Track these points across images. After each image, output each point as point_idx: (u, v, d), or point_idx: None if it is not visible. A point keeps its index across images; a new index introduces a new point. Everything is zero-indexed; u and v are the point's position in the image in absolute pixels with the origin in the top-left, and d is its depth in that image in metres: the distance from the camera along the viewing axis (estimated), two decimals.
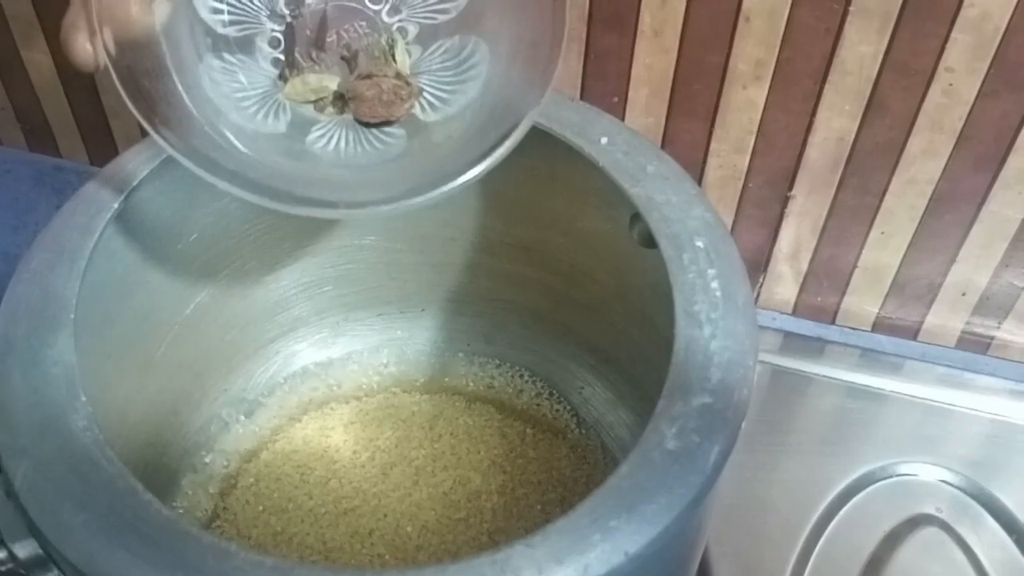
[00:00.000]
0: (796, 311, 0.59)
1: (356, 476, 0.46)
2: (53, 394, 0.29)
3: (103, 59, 0.30)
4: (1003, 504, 0.51)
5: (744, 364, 0.30)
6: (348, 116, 0.35)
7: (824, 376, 0.57)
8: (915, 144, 0.49)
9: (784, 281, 0.58)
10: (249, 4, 0.34)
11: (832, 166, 0.51)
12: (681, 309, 0.32)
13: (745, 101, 0.50)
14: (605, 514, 0.27)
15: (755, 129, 0.51)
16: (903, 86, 0.47)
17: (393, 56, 0.35)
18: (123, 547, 0.26)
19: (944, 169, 0.50)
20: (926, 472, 0.53)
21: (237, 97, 0.33)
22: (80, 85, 0.62)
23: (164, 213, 0.39)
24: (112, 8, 0.30)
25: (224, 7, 0.33)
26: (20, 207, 0.72)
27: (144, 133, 0.35)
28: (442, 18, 0.34)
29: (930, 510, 0.51)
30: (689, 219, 0.34)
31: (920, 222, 0.52)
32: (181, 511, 0.45)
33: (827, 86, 0.48)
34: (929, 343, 0.58)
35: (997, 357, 0.57)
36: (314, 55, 0.35)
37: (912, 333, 0.58)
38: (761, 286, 0.59)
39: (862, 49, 0.46)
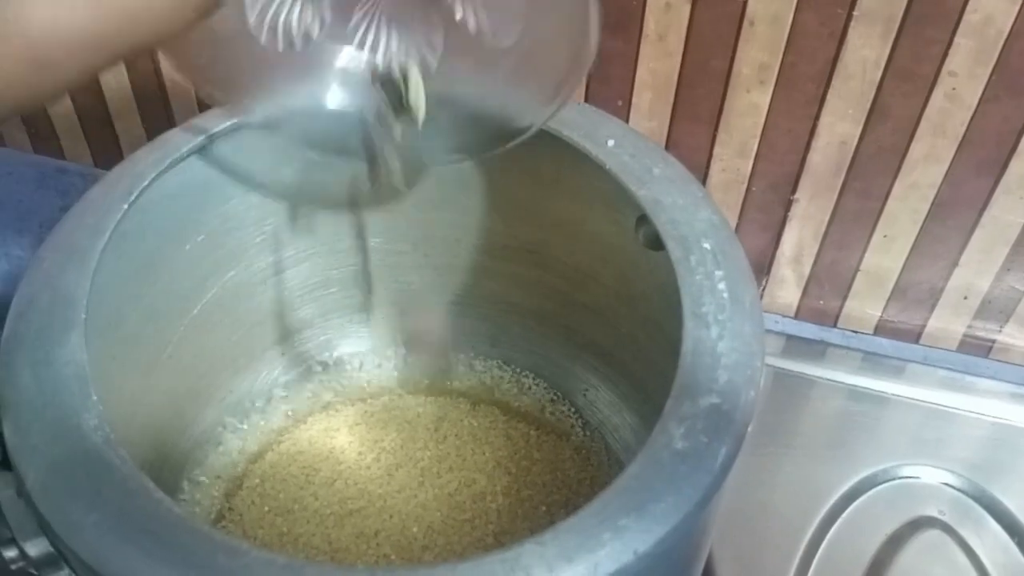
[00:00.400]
0: (798, 314, 0.60)
1: (361, 477, 0.46)
2: (64, 394, 0.30)
3: None
4: (1005, 507, 0.52)
5: (751, 365, 0.31)
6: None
7: (826, 379, 0.57)
8: (917, 149, 0.49)
9: (787, 285, 0.58)
10: None
11: (835, 170, 0.52)
12: (689, 310, 0.32)
13: (749, 105, 0.50)
14: (614, 513, 0.27)
15: (758, 133, 0.51)
16: (905, 91, 0.47)
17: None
18: (134, 545, 0.26)
19: (946, 174, 0.50)
20: (928, 475, 0.53)
21: None
22: (85, 88, 0.62)
23: (172, 215, 0.40)
24: None
25: None
26: (23, 209, 0.72)
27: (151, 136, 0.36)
28: None
29: (932, 512, 0.52)
30: (696, 221, 0.34)
31: (922, 226, 0.53)
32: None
33: (830, 91, 0.48)
34: (931, 346, 0.58)
35: (999, 360, 0.58)
36: None
37: (914, 337, 0.58)
38: (764, 289, 0.59)
39: (865, 54, 0.47)
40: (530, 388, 0.51)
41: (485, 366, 0.52)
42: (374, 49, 0.33)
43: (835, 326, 0.59)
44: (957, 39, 0.45)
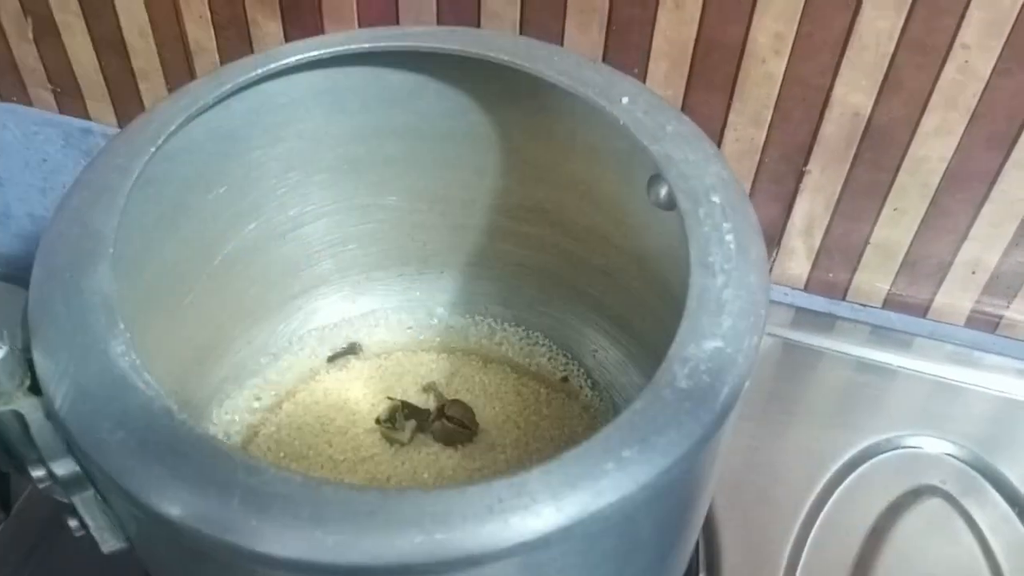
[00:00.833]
0: (808, 287, 0.60)
1: (375, 426, 0.47)
2: (92, 322, 0.31)
3: None
4: (1007, 478, 0.52)
5: (756, 312, 0.31)
6: None
7: (834, 351, 0.58)
8: (929, 121, 0.50)
9: (797, 257, 0.59)
10: None
11: (847, 141, 0.52)
12: (696, 260, 0.33)
13: (763, 75, 0.51)
14: (618, 445, 0.28)
15: (772, 103, 0.52)
16: (919, 63, 0.48)
17: None
18: (158, 463, 0.27)
19: (957, 147, 0.51)
20: (932, 445, 0.54)
21: None
22: (111, 48, 0.64)
23: (196, 163, 0.41)
24: None
25: None
26: (48, 168, 0.73)
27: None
28: None
29: (935, 482, 0.52)
30: (706, 176, 0.35)
31: (932, 200, 0.53)
32: None
33: (844, 61, 0.49)
34: (938, 321, 0.59)
35: (1005, 336, 0.58)
36: None
37: (922, 311, 0.59)
38: (774, 261, 0.60)
39: (880, 24, 0.47)
40: (541, 348, 0.52)
41: (497, 326, 0.53)
42: None
43: (844, 299, 0.60)
44: (970, 11, 0.45)
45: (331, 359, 0.51)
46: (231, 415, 0.48)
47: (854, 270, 0.58)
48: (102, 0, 0.61)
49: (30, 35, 0.65)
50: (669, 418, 0.28)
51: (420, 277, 0.52)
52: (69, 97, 0.68)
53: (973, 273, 0.56)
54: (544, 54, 0.40)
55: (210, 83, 0.39)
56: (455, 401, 0.48)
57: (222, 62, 0.61)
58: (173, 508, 0.27)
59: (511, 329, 0.52)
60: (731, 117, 0.53)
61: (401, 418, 0.47)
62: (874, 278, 0.58)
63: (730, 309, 0.31)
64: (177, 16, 0.60)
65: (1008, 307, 0.57)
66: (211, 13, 0.59)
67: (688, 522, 0.35)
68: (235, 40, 0.60)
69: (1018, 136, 0.49)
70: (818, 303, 0.60)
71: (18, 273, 0.78)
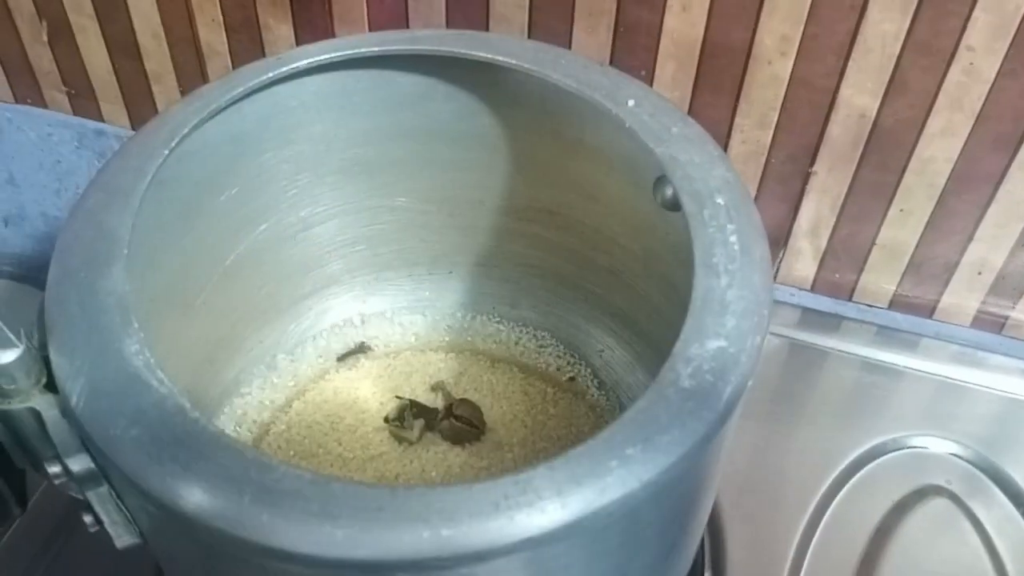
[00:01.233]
0: (814, 287, 0.61)
1: (384, 425, 0.48)
2: (107, 321, 0.31)
3: None
4: (1012, 478, 0.53)
5: (759, 312, 0.32)
6: None
7: (840, 351, 0.58)
8: (935, 123, 0.50)
9: (803, 257, 0.59)
10: None
11: (853, 143, 0.53)
12: (700, 261, 0.33)
13: (770, 77, 0.51)
14: (622, 443, 0.28)
15: (779, 105, 0.52)
16: (924, 64, 0.48)
17: None
18: (172, 459, 0.28)
19: (963, 148, 0.51)
20: (937, 445, 0.54)
21: None
22: (124, 51, 0.64)
23: (208, 165, 0.41)
24: None
25: None
26: (62, 170, 0.74)
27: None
28: None
29: (940, 482, 0.53)
30: (711, 178, 0.36)
31: (938, 201, 0.54)
32: None
33: (850, 63, 0.49)
34: (944, 321, 0.59)
35: (1011, 337, 0.59)
36: None
37: (928, 311, 0.59)
38: (780, 262, 0.60)
39: (885, 27, 0.47)
40: (548, 348, 0.52)
41: (505, 326, 0.53)
42: None
43: (850, 300, 0.60)
44: (976, 13, 0.46)
45: (341, 358, 0.52)
46: (242, 413, 0.49)
47: (860, 271, 0.59)
48: (116, 3, 0.62)
49: (45, 38, 0.66)
50: (672, 417, 0.29)
51: (429, 277, 0.53)
52: (83, 99, 0.69)
53: (979, 274, 0.56)
54: (551, 57, 0.40)
55: (222, 86, 0.40)
56: (463, 400, 0.49)
57: (234, 65, 0.62)
58: (186, 504, 0.27)
59: (518, 329, 0.53)
60: (738, 119, 0.54)
61: (410, 417, 0.48)
62: (880, 279, 0.59)
63: (734, 309, 0.32)
64: (190, 19, 0.61)
65: (1014, 308, 0.57)
66: (223, 16, 0.60)
67: (692, 520, 0.36)
68: (247, 43, 0.61)
69: None
70: (824, 304, 0.61)
71: (31, 273, 0.79)
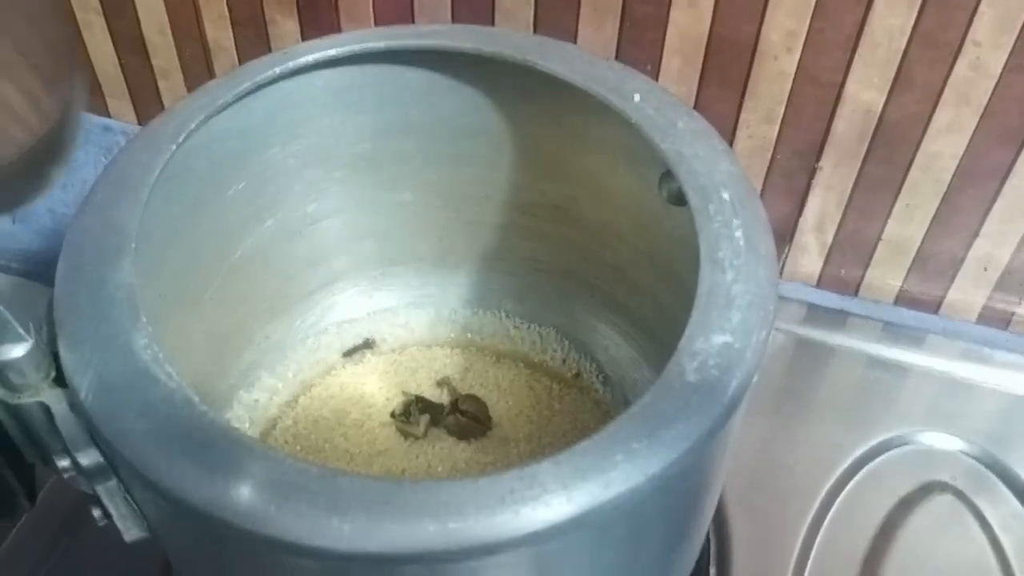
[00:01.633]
0: (820, 283, 0.61)
1: (390, 420, 0.48)
2: (116, 315, 0.31)
3: None
4: (1018, 475, 0.53)
5: (764, 307, 0.32)
6: None
7: (846, 347, 0.58)
8: (941, 118, 0.50)
9: (809, 253, 0.59)
10: None
11: (859, 138, 0.52)
12: (706, 256, 0.33)
13: (776, 72, 0.51)
14: (627, 437, 0.28)
15: (785, 100, 0.52)
16: (930, 59, 0.48)
17: None
18: (180, 452, 0.28)
19: (969, 143, 0.51)
20: (943, 442, 0.54)
21: None
22: (131, 46, 0.64)
23: (215, 160, 0.41)
24: None
25: None
26: (68, 166, 0.74)
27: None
28: None
29: (945, 478, 0.53)
30: (716, 172, 0.36)
31: (944, 196, 0.54)
32: None
33: (856, 58, 0.49)
34: (950, 317, 0.59)
35: (1017, 333, 0.58)
36: None
37: (934, 307, 0.59)
38: (786, 258, 0.60)
39: (891, 21, 0.47)
40: (553, 344, 0.52)
41: (511, 322, 0.53)
42: None
43: (856, 295, 0.60)
44: (982, 7, 0.46)
45: (347, 354, 0.52)
46: (249, 408, 0.49)
47: (866, 266, 0.59)
48: None
49: None
50: (678, 411, 0.29)
51: (435, 273, 0.53)
52: (90, 95, 0.69)
53: (985, 269, 0.56)
54: (557, 52, 0.40)
55: (229, 82, 0.40)
56: (469, 396, 0.49)
57: (240, 60, 0.62)
58: (194, 497, 0.28)
59: (524, 325, 0.53)
60: (743, 114, 0.54)
61: (416, 412, 0.48)
62: (886, 274, 0.59)
63: (739, 304, 0.32)
64: (196, 15, 0.61)
65: (1020, 303, 0.57)
66: (230, 12, 0.60)
67: (697, 514, 0.36)
68: (253, 39, 0.61)
69: None
70: (830, 299, 0.60)
71: (39, 269, 0.79)
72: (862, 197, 0.55)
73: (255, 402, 0.49)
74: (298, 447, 0.47)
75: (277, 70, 0.40)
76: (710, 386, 0.30)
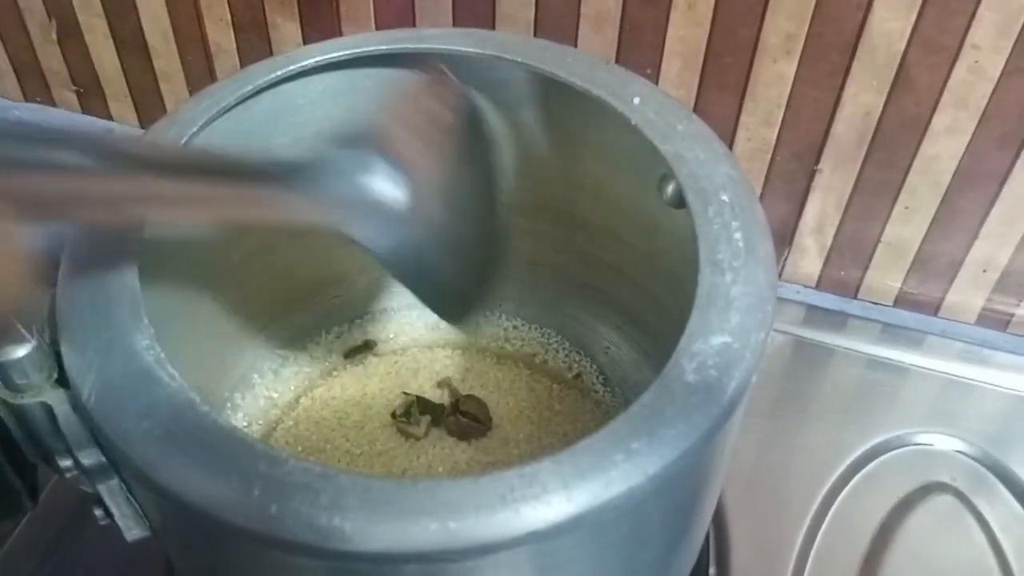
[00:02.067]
0: (819, 285, 0.61)
1: (391, 421, 0.48)
2: (118, 316, 0.32)
3: None
4: (1017, 475, 0.53)
5: (763, 309, 0.32)
6: None
7: (846, 348, 0.58)
8: (940, 121, 0.50)
9: (808, 255, 0.59)
10: None
11: (858, 141, 0.53)
12: (705, 258, 0.33)
13: (775, 75, 0.51)
14: (627, 437, 0.28)
15: (784, 103, 0.52)
16: (929, 62, 0.48)
17: None
18: (182, 452, 0.28)
19: (968, 146, 0.51)
20: (942, 442, 0.54)
21: None
22: (133, 49, 0.65)
23: None
24: None
25: None
26: None
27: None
28: None
29: (945, 479, 0.53)
30: (716, 175, 0.36)
31: (943, 198, 0.54)
32: None
33: (855, 61, 0.50)
34: (949, 319, 0.59)
35: (1016, 334, 0.59)
36: None
37: (933, 309, 0.59)
38: (785, 259, 0.60)
39: (890, 25, 0.48)
40: (554, 346, 0.53)
41: (511, 324, 0.53)
42: None
43: (855, 297, 0.60)
44: (981, 11, 0.46)
45: (348, 355, 0.52)
46: (250, 409, 0.49)
47: (865, 268, 0.59)
48: (125, 2, 0.62)
49: (54, 36, 0.66)
50: (677, 411, 0.29)
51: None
52: (92, 98, 0.69)
53: (984, 271, 0.56)
54: (558, 55, 0.40)
55: (231, 84, 0.40)
56: (469, 396, 0.49)
57: (242, 64, 0.62)
58: (196, 496, 0.28)
59: (525, 326, 0.53)
60: (743, 117, 0.54)
61: (416, 413, 0.48)
62: (885, 276, 0.59)
63: (738, 305, 0.32)
64: (198, 18, 0.61)
65: (1019, 305, 0.57)
66: (231, 15, 0.60)
67: (697, 513, 0.36)
68: (255, 42, 0.61)
69: None
70: (829, 301, 0.61)
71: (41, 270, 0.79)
72: (861, 199, 0.55)
73: (256, 403, 0.49)
74: (299, 448, 0.47)
75: (279, 73, 0.40)
76: (709, 386, 0.30)
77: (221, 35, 0.61)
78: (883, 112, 0.51)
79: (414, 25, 0.57)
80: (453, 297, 0.41)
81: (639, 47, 0.53)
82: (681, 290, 0.39)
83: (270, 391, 0.50)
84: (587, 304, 0.51)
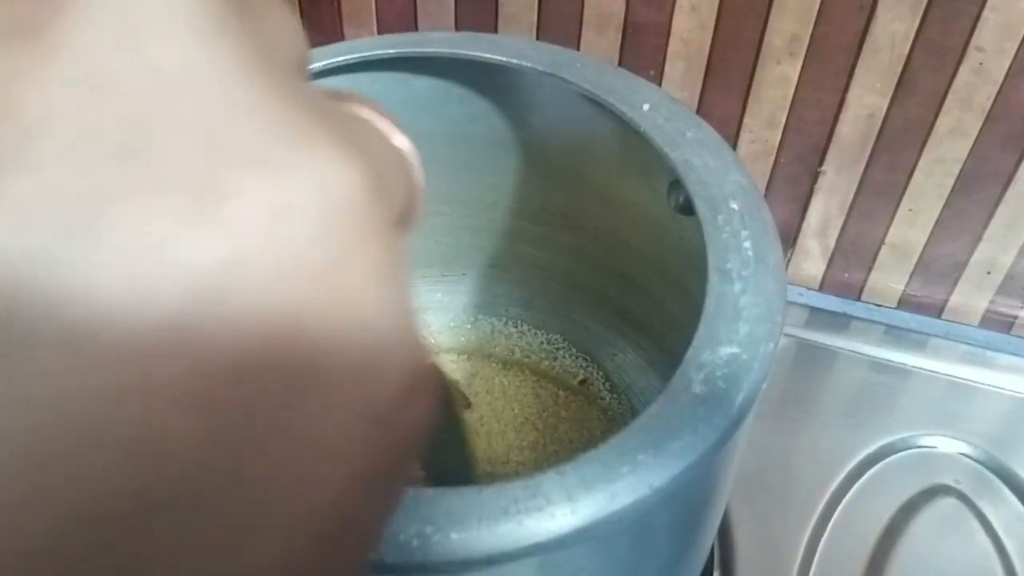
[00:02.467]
0: (823, 287, 0.61)
1: None
2: None
3: None
4: (1021, 478, 0.53)
5: (772, 320, 0.32)
6: None
7: (849, 351, 0.58)
8: (944, 122, 0.50)
9: (812, 257, 0.59)
10: None
11: (862, 143, 0.53)
12: (714, 267, 0.33)
13: (779, 77, 0.51)
14: (633, 448, 0.28)
15: (788, 105, 0.52)
16: (933, 64, 0.48)
17: None
18: None
19: (972, 148, 0.51)
20: (946, 445, 0.54)
21: None
22: None
23: None
24: None
25: None
26: None
27: None
28: None
29: (949, 481, 0.53)
30: (725, 183, 0.36)
31: (947, 200, 0.54)
32: None
33: (859, 63, 0.49)
34: (953, 321, 0.59)
35: (1020, 336, 0.59)
36: None
37: (936, 311, 0.59)
38: (789, 261, 0.60)
39: (894, 27, 0.47)
40: (560, 351, 0.52)
41: (518, 329, 0.53)
42: None
43: (859, 299, 0.60)
44: (985, 13, 0.46)
45: None
46: None
47: (869, 270, 0.59)
48: None
49: None
50: (684, 423, 0.29)
51: (442, 279, 0.53)
52: None
53: (988, 273, 0.56)
54: (566, 60, 0.40)
55: None
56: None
57: None
58: None
59: (531, 332, 0.53)
60: (747, 119, 0.54)
61: None
62: (889, 278, 0.59)
63: (747, 316, 0.32)
64: None
65: (1022, 307, 0.57)
66: None
67: (703, 525, 0.36)
68: None
69: None
70: (833, 303, 0.61)
71: None
72: (865, 201, 0.55)
73: None
74: None
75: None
76: (717, 398, 0.30)
77: None
78: (887, 114, 0.51)
79: (416, 27, 0.57)
80: None
81: (642, 49, 0.53)
82: (688, 298, 0.39)
83: None
84: (594, 310, 0.51)
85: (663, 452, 0.28)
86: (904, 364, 0.57)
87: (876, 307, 0.60)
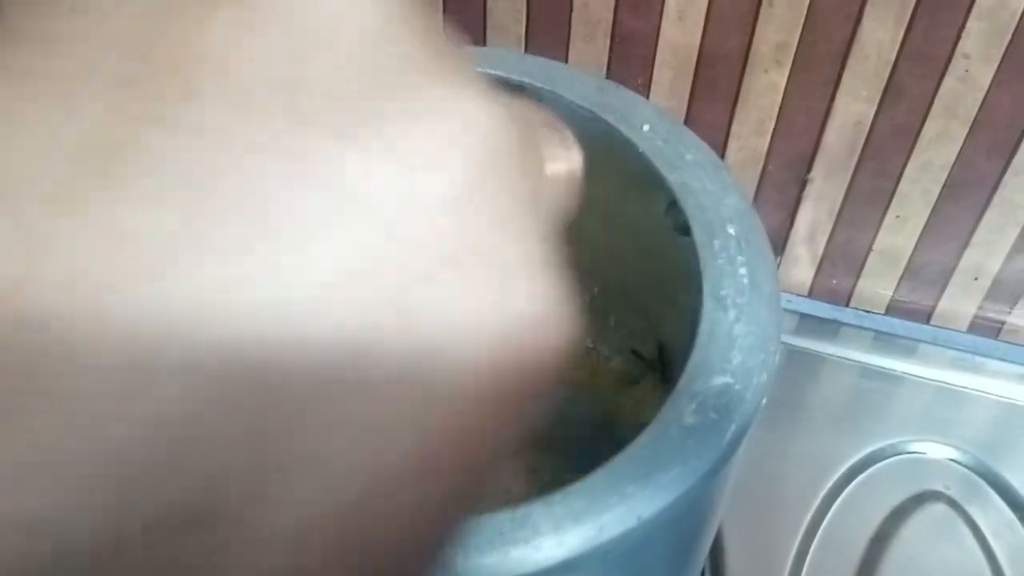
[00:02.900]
0: (812, 293, 0.61)
1: None
2: None
3: None
4: (1010, 483, 0.53)
5: (766, 349, 0.32)
6: None
7: (838, 357, 0.58)
8: (930, 129, 0.50)
9: (800, 263, 0.59)
10: None
11: (849, 150, 0.52)
12: (709, 293, 0.33)
13: (766, 85, 0.51)
14: (621, 480, 0.28)
15: (775, 112, 0.52)
16: (920, 72, 0.48)
17: None
18: None
19: (958, 155, 0.51)
20: (935, 451, 0.54)
21: None
22: None
23: None
24: None
25: None
26: None
27: None
28: None
29: (938, 487, 0.53)
30: (723, 207, 0.35)
31: (934, 207, 0.54)
32: None
33: (846, 71, 0.49)
34: (941, 327, 0.59)
35: (1007, 342, 0.59)
36: None
37: (925, 317, 0.59)
38: (778, 268, 0.60)
39: (880, 35, 0.47)
40: None
41: None
42: None
43: (847, 305, 0.60)
44: (970, 22, 0.45)
45: None
46: None
47: (857, 277, 0.59)
48: None
49: None
50: (674, 455, 0.29)
51: None
52: None
53: (975, 279, 0.56)
54: (565, 77, 0.40)
55: None
56: None
57: None
58: None
59: None
60: (734, 127, 0.53)
61: None
62: (877, 284, 0.59)
63: (741, 344, 0.31)
64: None
65: (1010, 313, 0.57)
66: None
67: (693, 554, 0.36)
68: None
69: (1018, 143, 0.50)
70: (822, 309, 0.60)
71: None
72: (853, 208, 0.55)
73: None
74: None
75: None
76: (708, 429, 0.29)
77: None
78: (874, 121, 0.51)
79: None
80: None
81: (630, 58, 0.52)
82: (683, 317, 0.39)
83: None
84: (591, 328, 0.51)
85: (651, 484, 0.28)
86: (893, 370, 0.58)
87: (865, 313, 0.60)
